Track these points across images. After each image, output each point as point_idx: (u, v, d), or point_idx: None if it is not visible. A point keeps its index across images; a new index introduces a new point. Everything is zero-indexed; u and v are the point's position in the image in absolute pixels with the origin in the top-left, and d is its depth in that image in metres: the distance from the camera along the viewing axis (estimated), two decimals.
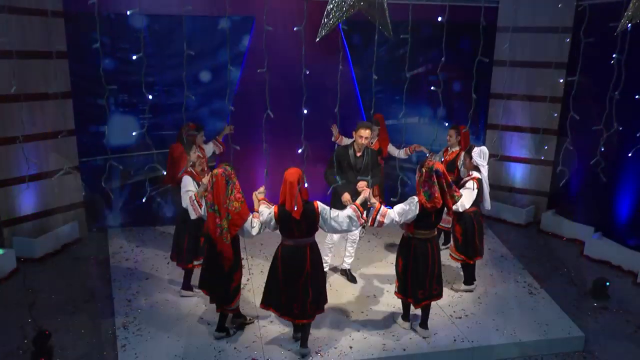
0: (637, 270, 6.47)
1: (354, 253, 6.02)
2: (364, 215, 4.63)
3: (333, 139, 6.90)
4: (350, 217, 4.53)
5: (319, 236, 4.68)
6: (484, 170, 5.61)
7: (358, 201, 4.68)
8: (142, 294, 5.62)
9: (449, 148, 6.63)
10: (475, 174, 5.59)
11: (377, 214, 4.71)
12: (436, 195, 4.57)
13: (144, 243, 6.84)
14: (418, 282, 4.80)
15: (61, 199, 6.95)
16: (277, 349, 4.79)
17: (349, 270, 6.06)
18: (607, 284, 5.96)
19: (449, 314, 5.38)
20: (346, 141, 6.91)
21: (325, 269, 5.90)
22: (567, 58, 7.53)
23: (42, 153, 6.69)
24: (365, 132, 5.61)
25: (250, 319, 5.15)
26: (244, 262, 6.24)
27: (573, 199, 7.66)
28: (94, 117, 7.05)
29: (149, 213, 7.34)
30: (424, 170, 4.62)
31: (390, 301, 5.59)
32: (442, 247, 6.74)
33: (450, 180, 4.74)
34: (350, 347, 4.82)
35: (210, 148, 6.62)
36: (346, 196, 5.40)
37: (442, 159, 6.62)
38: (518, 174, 8.21)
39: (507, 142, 8.12)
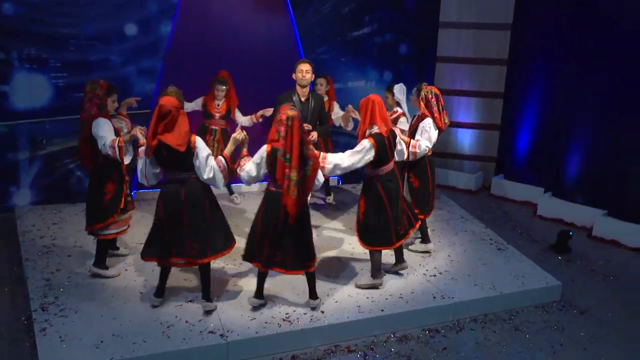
0: (589, 225, 6.45)
1: None
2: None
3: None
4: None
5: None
6: (404, 106, 5.48)
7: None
8: (63, 272, 4.66)
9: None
10: (399, 109, 5.44)
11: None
12: (437, 115, 4.85)
13: (62, 220, 5.79)
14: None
15: None
16: (237, 319, 4.09)
17: None
18: (571, 233, 5.87)
19: (421, 273, 4.94)
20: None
21: None
22: (512, 18, 7.44)
23: None
24: (304, 66, 5.03)
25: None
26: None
27: (521, 162, 7.59)
28: None
29: (67, 188, 6.29)
30: (423, 94, 4.87)
31: (358, 264, 5.06)
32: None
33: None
34: (322, 312, 4.23)
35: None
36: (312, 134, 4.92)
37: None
38: (466, 140, 8.01)
39: (454, 108, 7.90)
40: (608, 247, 6.08)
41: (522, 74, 7.49)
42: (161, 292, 4.22)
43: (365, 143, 4.31)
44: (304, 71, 5.02)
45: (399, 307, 4.34)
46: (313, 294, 4.27)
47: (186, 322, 4.03)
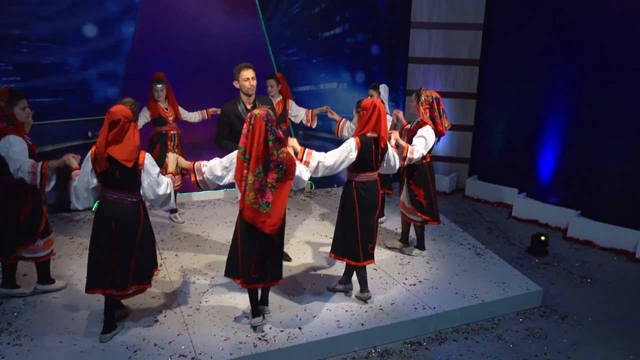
0: (563, 226, 6.44)
1: None
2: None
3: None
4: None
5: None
6: (387, 105, 5.71)
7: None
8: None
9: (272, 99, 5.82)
10: None
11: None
12: (438, 120, 4.83)
13: None
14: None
15: None
16: (210, 339, 3.83)
17: None
18: (543, 238, 5.81)
19: (401, 281, 4.79)
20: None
21: None
22: (483, 18, 7.38)
23: None
24: (248, 73, 4.44)
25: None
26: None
27: (495, 163, 7.56)
28: None
29: None
30: (423, 98, 4.85)
31: (335, 275, 4.87)
32: None
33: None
34: (300, 328, 4.02)
35: None
36: None
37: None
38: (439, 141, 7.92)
39: None
40: (583, 247, 6.08)
41: (494, 74, 7.46)
42: (110, 326, 3.83)
43: (350, 142, 4.10)
44: (250, 79, 4.45)
45: (380, 320, 4.17)
46: (264, 302, 4.18)
47: (155, 345, 3.76)
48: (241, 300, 4.36)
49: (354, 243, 4.24)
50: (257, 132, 3.53)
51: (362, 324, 4.11)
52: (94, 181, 3.60)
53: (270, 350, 3.76)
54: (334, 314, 4.23)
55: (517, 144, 7.23)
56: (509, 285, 4.78)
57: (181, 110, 5.90)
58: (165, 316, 4.09)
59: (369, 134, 4.12)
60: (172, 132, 5.74)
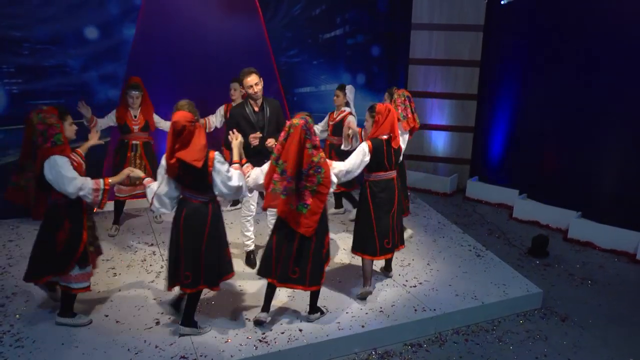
0: (564, 227, 6.44)
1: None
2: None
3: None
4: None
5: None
6: (352, 105, 5.93)
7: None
8: (21, 295, 4.33)
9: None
10: (346, 109, 5.87)
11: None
12: (410, 116, 4.96)
13: (20, 236, 5.43)
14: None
15: None
16: (211, 341, 3.84)
17: None
18: (547, 239, 5.82)
19: (401, 283, 4.80)
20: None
21: (250, 247, 5.05)
22: (483, 20, 7.39)
23: None
24: (252, 79, 4.49)
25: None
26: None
27: (495, 164, 7.56)
28: None
29: None
30: (395, 97, 5.03)
31: (335, 276, 4.88)
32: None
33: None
34: (300, 330, 4.03)
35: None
36: (270, 141, 4.55)
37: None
38: (440, 142, 7.95)
39: (428, 110, 7.82)
40: (583, 249, 6.08)
41: (494, 75, 7.46)
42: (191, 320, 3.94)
43: (363, 146, 4.27)
44: (254, 85, 4.51)
45: (380, 322, 4.17)
46: (314, 308, 4.21)
47: (156, 347, 3.77)
48: (242, 302, 4.38)
49: (370, 238, 4.38)
50: (295, 141, 3.64)
51: (363, 326, 4.12)
52: (176, 194, 3.73)
53: (271, 352, 3.77)
54: (335, 315, 4.24)
55: (518, 145, 7.24)
56: (509, 287, 4.79)
57: (156, 118, 5.59)
58: (166, 318, 4.09)
59: (381, 137, 4.28)
60: (133, 141, 5.39)
